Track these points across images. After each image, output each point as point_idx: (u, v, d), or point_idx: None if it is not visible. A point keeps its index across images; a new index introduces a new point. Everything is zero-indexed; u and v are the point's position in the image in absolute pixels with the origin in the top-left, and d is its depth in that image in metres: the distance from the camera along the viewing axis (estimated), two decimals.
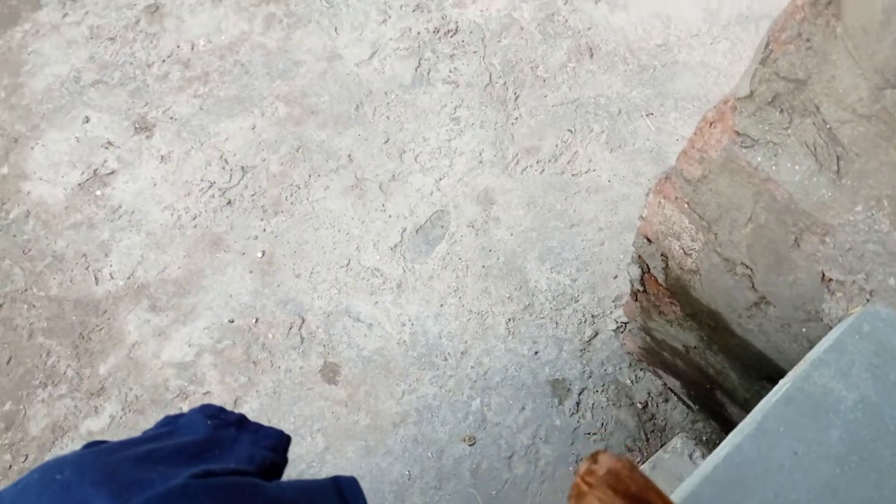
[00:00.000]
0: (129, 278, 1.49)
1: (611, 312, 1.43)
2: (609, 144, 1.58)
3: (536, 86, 1.64)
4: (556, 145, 1.57)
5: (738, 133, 0.70)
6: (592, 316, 1.42)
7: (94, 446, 0.60)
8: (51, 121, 1.69)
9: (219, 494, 0.53)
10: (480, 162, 1.55)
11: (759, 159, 0.70)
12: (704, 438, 1.31)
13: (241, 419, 0.73)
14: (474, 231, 1.49)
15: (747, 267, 0.86)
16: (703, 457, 1.15)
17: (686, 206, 0.84)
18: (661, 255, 0.99)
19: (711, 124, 0.71)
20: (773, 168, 0.69)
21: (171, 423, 0.70)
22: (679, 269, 0.98)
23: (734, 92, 0.68)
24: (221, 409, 0.72)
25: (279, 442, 0.74)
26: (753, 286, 0.88)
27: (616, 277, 1.46)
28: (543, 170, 1.55)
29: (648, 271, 1.08)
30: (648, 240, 0.98)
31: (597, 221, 1.51)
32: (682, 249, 0.92)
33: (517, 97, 1.63)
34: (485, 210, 1.51)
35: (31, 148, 1.66)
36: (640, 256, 1.06)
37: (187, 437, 0.65)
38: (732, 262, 0.87)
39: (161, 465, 0.56)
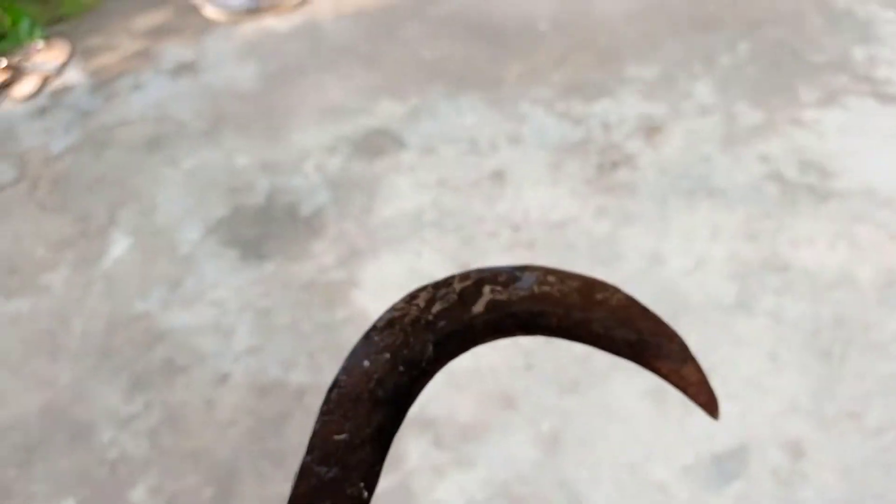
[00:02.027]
0: (422, 408, 1.57)
1: None
2: None
3: (868, 350, 1.56)
4: (883, 419, 1.46)
5: None
6: None
7: None
8: (389, 245, 1.92)
9: None
10: (794, 409, 1.48)
11: None
12: None
13: None
14: (776, 480, 1.39)
15: None
16: None
17: None
18: None
19: None
20: None
21: None
22: None
23: None
24: None
25: None
26: None
27: None
28: (865, 440, 1.43)
29: None
30: None
31: None
32: None
33: (844, 355, 1.56)
34: (792, 461, 1.42)
35: (368, 263, 1.88)
36: None
37: None
38: None
39: None
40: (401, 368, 0.35)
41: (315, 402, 1.62)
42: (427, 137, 2.22)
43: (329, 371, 1.67)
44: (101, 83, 2.69)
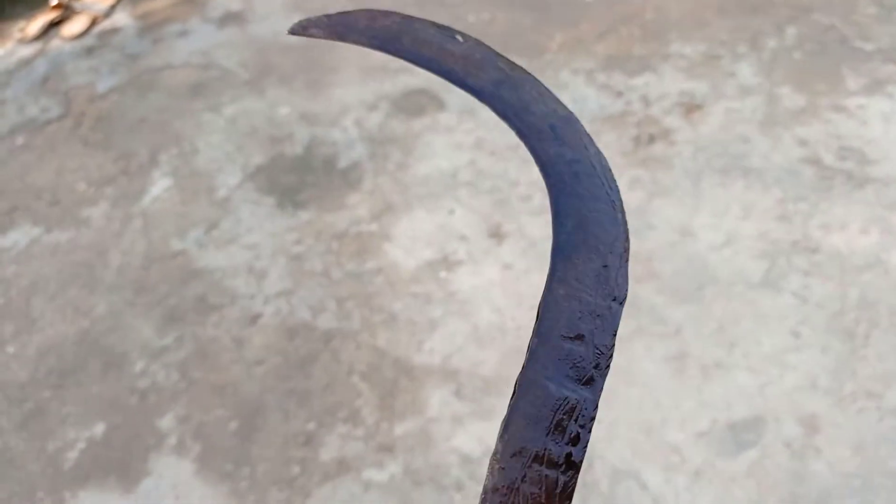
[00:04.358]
0: (445, 358, 1.61)
1: None
2: None
3: (891, 332, 1.57)
4: None
5: None
6: None
7: None
8: (423, 202, 1.95)
9: None
10: (813, 385, 1.50)
11: None
12: None
13: None
14: (790, 452, 1.42)
15: None
16: None
17: None
18: None
19: None
20: None
21: None
22: None
23: None
24: None
25: None
26: None
27: None
28: (882, 419, 1.45)
29: None
30: None
31: None
32: None
33: (868, 336, 1.56)
34: (807, 435, 1.43)
35: (400, 218, 1.91)
36: None
37: None
38: None
39: None
40: None
41: (341, 346, 1.67)
42: (467, 100, 2.23)
43: (356, 318, 1.72)
44: (148, 27, 2.74)
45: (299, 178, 2.07)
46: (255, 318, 1.77)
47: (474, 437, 1.49)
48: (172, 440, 1.58)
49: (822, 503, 1.36)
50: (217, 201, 2.05)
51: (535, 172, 1.98)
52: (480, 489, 0.33)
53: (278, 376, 1.65)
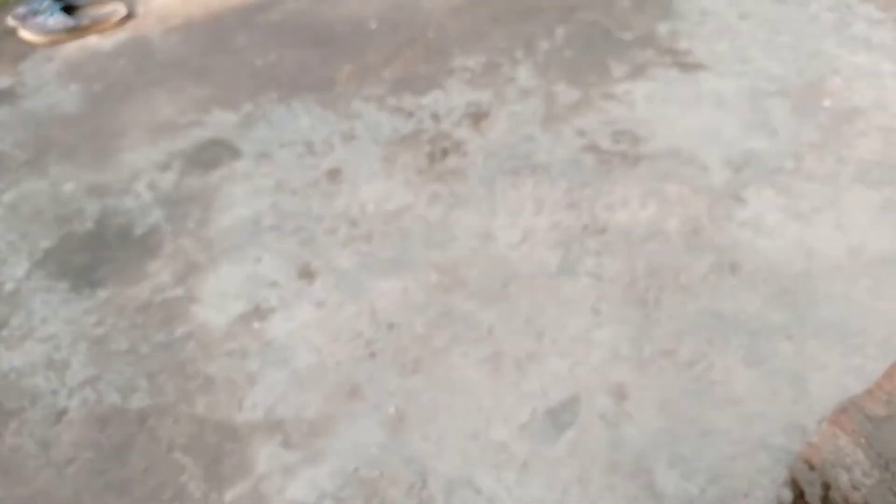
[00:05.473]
0: (268, 411, 1.57)
1: None
2: (746, 360, 1.59)
3: (678, 293, 1.70)
4: (694, 352, 1.60)
5: None
6: None
7: None
8: (228, 255, 1.89)
9: None
10: (617, 356, 1.60)
11: None
12: None
13: None
14: (605, 423, 1.49)
15: None
16: None
17: (863, 441, 0.85)
18: (823, 483, 0.97)
19: None
20: None
21: None
22: (843, 501, 0.95)
23: None
24: None
25: None
26: None
27: (747, 496, 1.41)
28: (679, 374, 1.56)
29: (802, 497, 1.05)
30: (811, 466, 0.97)
31: (729, 435, 1.48)
32: (851, 483, 0.91)
33: (658, 300, 1.69)
34: (617, 403, 1.52)
35: (206, 276, 1.85)
36: (794, 481, 1.04)
37: None
38: None
39: None
40: None
41: (157, 423, 1.58)
42: (262, 143, 2.21)
43: (171, 390, 1.63)
44: None
45: (93, 255, 1.95)
46: (60, 415, 1.63)
47: (307, 483, 1.45)
48: None
49: (638, 464, 1.44)
50: (3, 297, 1.88)
51: (338, 204, 1.99)
52: None
53: (92, 471, 1.53)
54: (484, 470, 1.44)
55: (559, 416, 1.51)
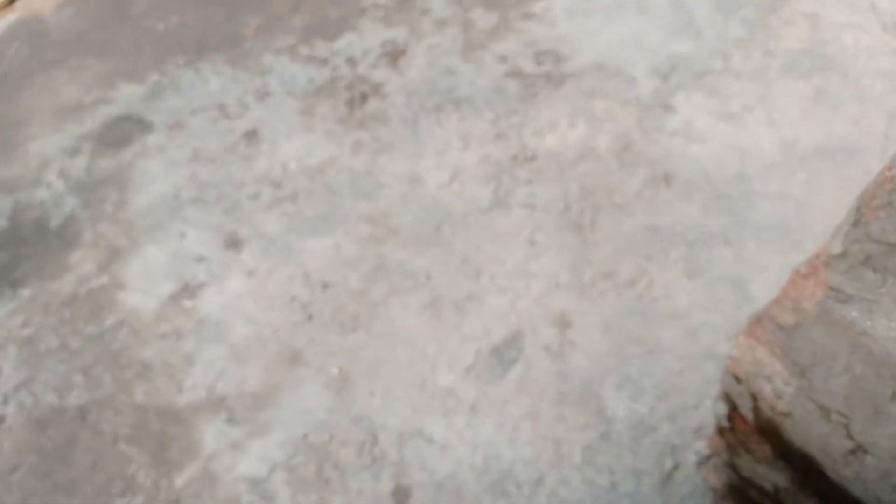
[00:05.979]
0: (210, 390, 1.53)
1: (692, 444, 1.37)
2: (686, 272, 1.58)
3: (613, 212, 1.67)
4: (633, 271, 1.58)
5: (831, 288, 0.70)
6: (672, 447, 1.37)
7: None
8: (150, 235, 1.81)
9: None
10: (557, 285, 1.57)
11: (854, 314, 0.69)
12: None
13: None
14: (550, 355, 1.48)
15: (843, 416, 0.82)
16: None
17: (778, 350, 0.83)
18: (751, 394, 0.96)
19: (805, 277, 0.72)
20: (869, 323, 0.68)
21: None
22: (770, 411, 0.94)
23: (826, 248, 0.68)
24: None
25: None
26: (850, 435, 0.84)
27: (697, 408, 1.41)
28: (620, 295, 1.54)
29: (736, 409, 1.04)
30: (737, 379, 0.96)
31: (675, 349, 1.48)
32: (774, 392, 0.90)
33: (594, 223, 1.66)
34: (561, 333, 1.50)
35: (130, 260, 1.77)
36: (727, 394, 1.03)
37: None
38: (827, 409, 0.84)
39: None
40: None
41: (99, 417, 1.53)
42: (173, 113, 2.09)
43: (108, 382, 1.58)
44: None
45: (10, 253, 1.85)
46: None
47: (257, 457, 1.43)
48: None
49: (586, 392, 1.43)
50: None
51: (259, 166, 1.90)
52: None
53: (38, 475, 1.49)
54: (433, 418, 1.43)
55: (504, 354, 1.49)
